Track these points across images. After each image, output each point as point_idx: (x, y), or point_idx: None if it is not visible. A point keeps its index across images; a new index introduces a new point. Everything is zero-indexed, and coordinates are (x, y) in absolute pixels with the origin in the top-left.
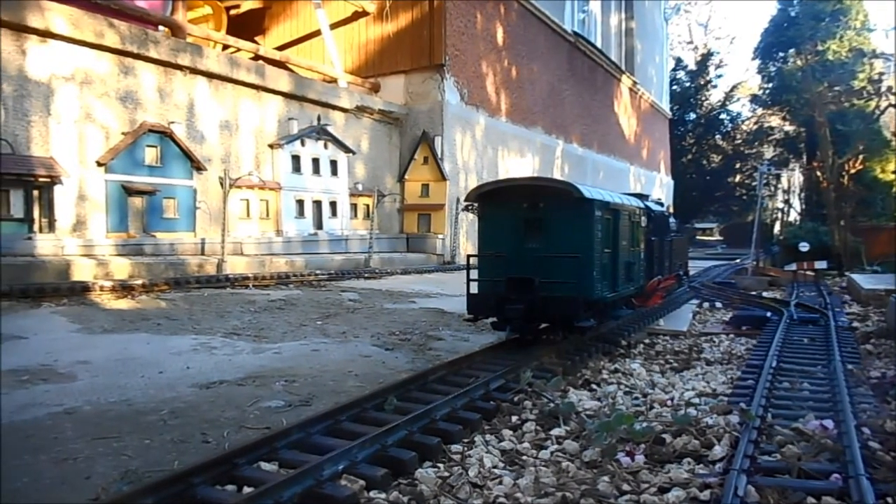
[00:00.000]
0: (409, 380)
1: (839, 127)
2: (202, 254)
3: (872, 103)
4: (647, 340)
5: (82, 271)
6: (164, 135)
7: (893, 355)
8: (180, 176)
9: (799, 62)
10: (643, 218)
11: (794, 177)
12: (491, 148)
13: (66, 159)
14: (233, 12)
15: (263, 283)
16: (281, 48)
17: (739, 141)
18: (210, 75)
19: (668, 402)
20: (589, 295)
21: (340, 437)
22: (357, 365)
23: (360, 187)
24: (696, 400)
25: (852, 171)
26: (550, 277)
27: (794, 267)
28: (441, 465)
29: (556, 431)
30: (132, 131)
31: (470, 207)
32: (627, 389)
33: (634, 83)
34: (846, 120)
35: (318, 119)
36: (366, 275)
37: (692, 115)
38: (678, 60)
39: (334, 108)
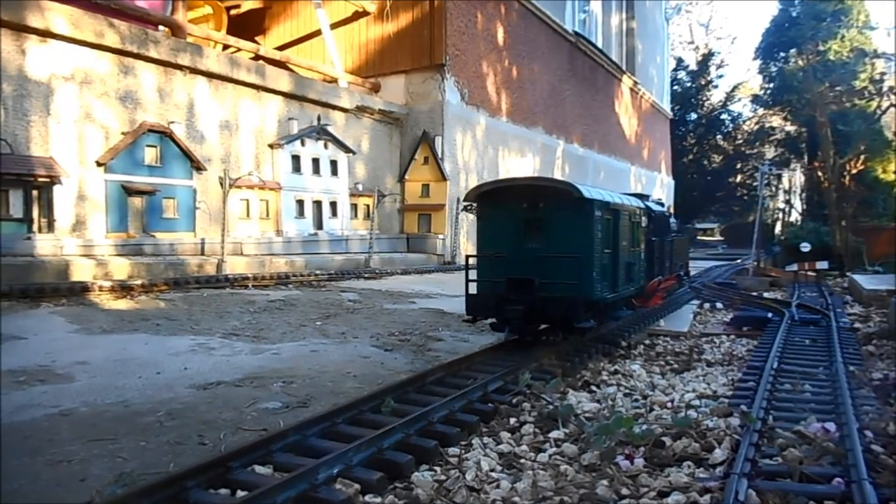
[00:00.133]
0: (406, 381)
1: (840, 127)
2: (202, 254)
3: (874, 103)
4: (647, 341)
5: (81, 271)
6: (164, 135)
7: (895, 356)
8: (180, 176)
9: (800, 62)
10: (643, 218)
11: (795, 177)
12: (491, 148)
13: (66, 159)
14: (233, 12)
15: (263, 283)
16: (281, 48)
17: (740, 141)
18: (210, 75)
19: (668, 405)
20: (589, 295)
21: (336, 440)
22: (356, 366)
23: (360, 187)
24: (697, 402)
25: (854, 171)
26: (550, 278)
27: (795, 267)
28: (438, 469)
29: (554, 434)
30: (132, 131)
31: (469, 207)
32: (627, 391)
33: (635, 83)
34: (847, 120)
35: (319, 119)
36: (366, 275)
37: (693, 116)
38: (679, 60)
39: (334, 108)
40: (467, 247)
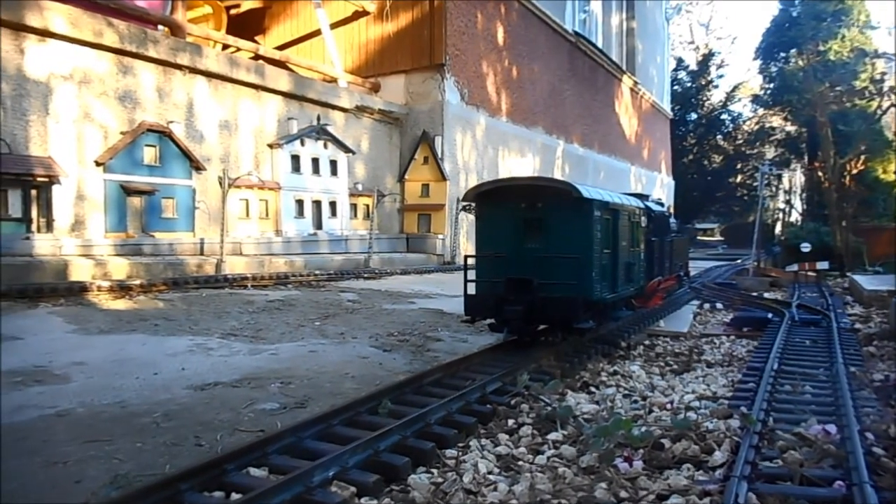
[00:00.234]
0: (404, 382)
1: (841, 127)
2: (201, 254)
3: (874, 103)
4: (646, 342)
5: (80, 271)
6: (163, 134)
7: None
8: (179, 176)
9: (800, 62)
10: (643, 218)
11: (795, 177)
12: (491, 148)
13: (65, 159)
14: (233, 12)
15: (262, 283)
16: (281, 48)
17: (741, 141)
18: (209, 75)
19: (668, 406)
20: (588, 296)
21: (332, 442)
22: (354, 366)
23: (359, 187)
24: (696, 403)
25: (854, 171)
26: (549, 278)
27: (795, 268)
28: (435, 471)
29: (553, 436)
30: (131, 131)
31: (468, 207)
32: (627, 392)
33: (635, 83)
34: (848, 120)
35: (318, 119)
36: (365, 275)
37: (693, 116)
38: (679, 60)
39: (334, 107)
40: (467, 247)
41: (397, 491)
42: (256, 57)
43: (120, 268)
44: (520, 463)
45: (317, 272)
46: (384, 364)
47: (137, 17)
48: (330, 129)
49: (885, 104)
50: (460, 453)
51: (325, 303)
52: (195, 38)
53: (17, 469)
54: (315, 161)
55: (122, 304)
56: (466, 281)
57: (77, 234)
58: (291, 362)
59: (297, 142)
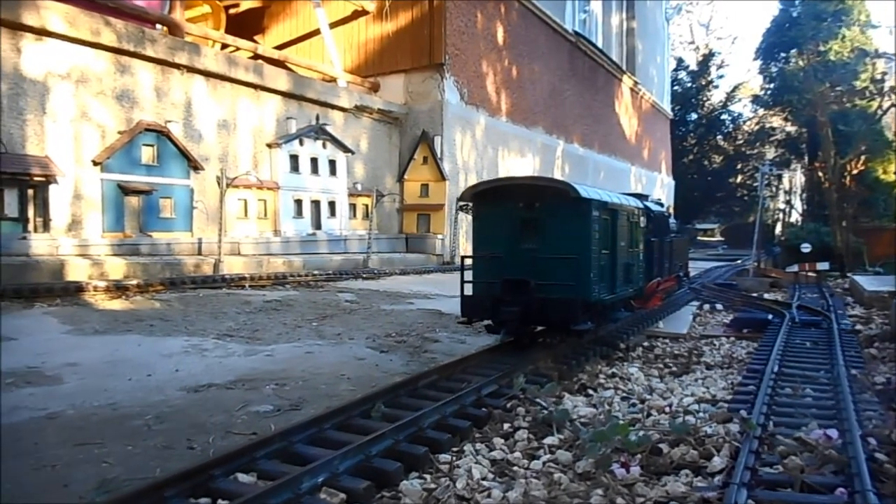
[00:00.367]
0: (399, 384)
1: (841, 127)
2: (199, 254)
3: (875, 103)
4: (645, 343)
5: (77, 271)
6: (161, 134)
7: None
8: (177, 175)
9: (801, 62)
10: (642, 218)
11: (795, 177)
12: (491, 148)
13: (62, 158)
14: (232, 11)
15: (260, 283)
16: (280, 47)
17: (741, 141)
18: (208, 74)
19: (666, 409)
20: (586, 297)
21: (323, 447)
22: (351, 368)
23: (359, 187)
24: (695, 407)
25: (854, 171)
26: (547, 279)
27: (795, 268)
28: (428, 477)
29: (548, 440)
30: (128, 130)
31: (465, 207)
32: (625, 395)
33: (635, 83)
34: (848, 120)
35: (317, 118)
36: (364, 275)
37: (693, 116)
38: (679, 60)
39: (333, 107)
40: (466, 247)
41: (388, 497)
42: (255, 56)
43: (117, 268)
44: (514, 468)
45: (315, 272)
46: (381, 365)
47: (135, 16)
48: (329, 128)
49: (886, 104)
50: (454, 458)
51: (323, 303)
52: (193, 38)
53: (5, 472)
54: (314, 161)
55: (118, 305)
56: (463, 281)
57: (74, 234)
58: (287, 363)
59: (296, 141)
